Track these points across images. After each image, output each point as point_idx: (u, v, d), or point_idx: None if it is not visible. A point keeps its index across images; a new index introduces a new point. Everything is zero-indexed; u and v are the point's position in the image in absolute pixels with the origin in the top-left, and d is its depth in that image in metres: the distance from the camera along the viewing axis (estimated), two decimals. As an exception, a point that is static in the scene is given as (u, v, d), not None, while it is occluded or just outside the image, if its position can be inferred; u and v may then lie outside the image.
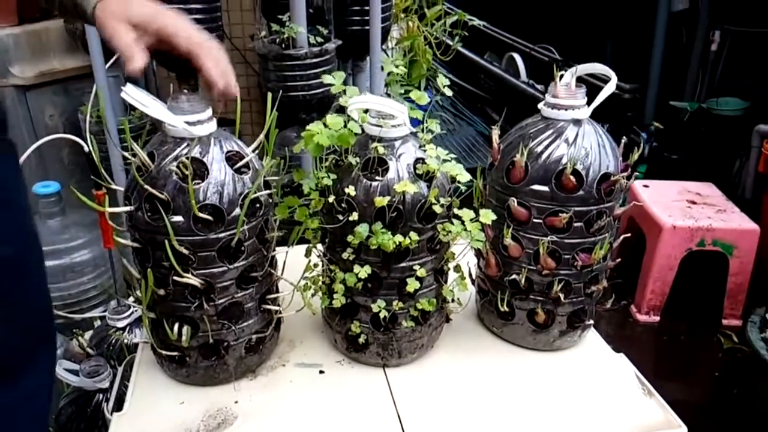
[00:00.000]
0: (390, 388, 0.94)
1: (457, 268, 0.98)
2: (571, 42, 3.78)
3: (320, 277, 0.97)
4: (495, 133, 0.98)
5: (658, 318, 2.28)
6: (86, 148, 1.33)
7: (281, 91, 1.63)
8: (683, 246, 2.18)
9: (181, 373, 0.92)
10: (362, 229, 0.84)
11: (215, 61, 0.77)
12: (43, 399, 0.82)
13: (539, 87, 3.75)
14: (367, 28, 1.82)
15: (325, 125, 0.86)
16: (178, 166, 0.81)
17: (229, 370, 0.93)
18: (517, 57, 4.04)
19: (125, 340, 1.47)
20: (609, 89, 0.90)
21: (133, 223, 0.83)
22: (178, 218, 0.80)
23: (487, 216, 0.86)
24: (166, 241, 0.79)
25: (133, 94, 0.78)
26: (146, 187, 0.79)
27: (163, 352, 0.90)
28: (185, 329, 0.85)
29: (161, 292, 0.85)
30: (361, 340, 0.94)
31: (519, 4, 4.45)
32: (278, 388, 0.94)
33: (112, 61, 1.56)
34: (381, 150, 0.85)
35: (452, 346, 1.03)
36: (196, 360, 0.90)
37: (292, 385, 0.95)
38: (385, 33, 1.93)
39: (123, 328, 1.47)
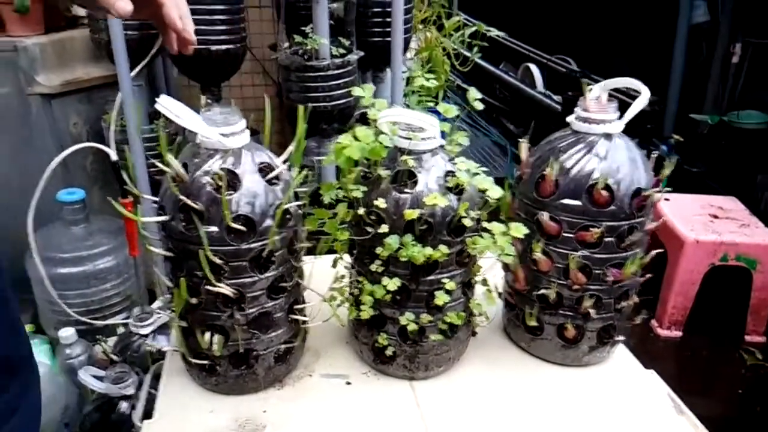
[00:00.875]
0: (417, 401, 0.94)
1: (484, 282, 0.98)
2: (589, 53, 3.77)
3: (347, 288, 0.98)
4: (524, 146, 0.98)
5: (680, 333, 2.26)
6: (113, 157, 1.35)
7: (303, 102, 1.65)
8: (706, 261, 2.16)
9: (210, 381, 0.93)
10: (392, 241, 0.84)
11: (175, 2, 0.77)
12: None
13: (556, 98, 3.74)
14: (388, 39, 1.83)
15: (356, 138, 0.87)
16: (212, 178, 0.81)
17: (258, 379, 0.93)
18: (534, 68, 4.04)
19: (149, 347, 1.48)
20: (641, 103, 0.90)
21: (168, 233, 0.84)
22: (212, 228, 0.81)
23: (519, 230, 0.86)
24: (201, 251, 0.80)
25: (167, 105, 0.79)
26: (182, 197, 0.80)
27: (193, 361, 0.90)
28: (217, 338, 0.86)
29: (193, 300, 0.86)
30: (388, 352, 0.94)
31: (536, 15, 4.45)
32: (305, 399, 0.94)
33: (138, 68, 1.58)
34: (411, 163, 0.86)
35: (479, 360, 1.03)
36: (226, 369, 0.91)
37: (319, 395, 0.95)
38: (406, 44, 1.94)
39: (147, 335, 1.49)
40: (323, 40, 1.64)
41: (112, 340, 1.61)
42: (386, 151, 0.84)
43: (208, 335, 0.87)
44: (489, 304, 0.95)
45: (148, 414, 0.97)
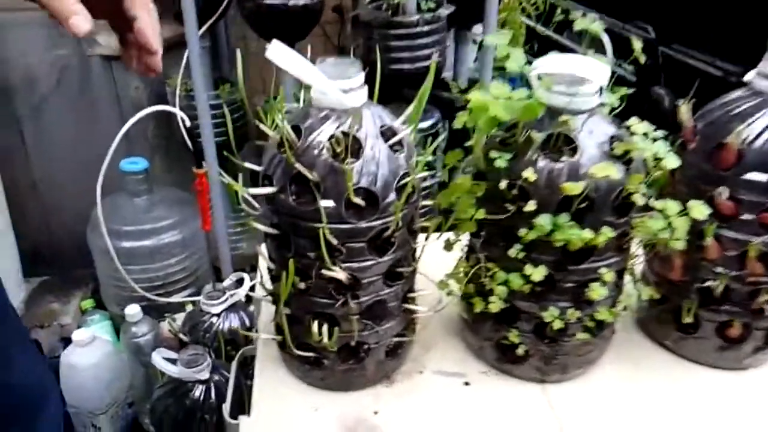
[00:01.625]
0: (552, 407, 0.80)
1: (630, 271, 0.83)
2: (669, 20, 3.49)
3: (465, 276, 0.84)
4: (685, 108, 0.81)
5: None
6: (187, 122, 1.23)
7: (386, 63, 1.50)
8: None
9: (314, 375, 0.81)
10: (544, 221, 0.69)
11: (149, 11, 0.62)
12: None
13: (628, 68, 3.48)
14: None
15: (491, 95, 0.72)
16: (330, 142, 0.68)
17: (367, 375, 0.81)
18: (604, 35, 3.78)
19: (220, 327, 1.39)
20: None
21: (274, 207, 0.71)
22: (329, 203, 0.68)
23: (700, 210, 0.70)
24: (317, 229, 0.67)
25: (280, 52, 0.66)
26: (297, 165, 0.67)
27: (298, 353, 0.78)
28: (333, 329, 0.73)
29: (302, 285, 0.73)
30: (520, 351, 0.80)
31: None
32: (419, 399, 0.81)
33: (206, 26, 1.46)
34: (571, 124, 0.70)
35: (617, 360, 0.88)
36: (334, 363, 0.78)
37: (433, 396, 0.82)
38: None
39: (218, 314, 1.39)
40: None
41: (178, 317, 1.52)
42: (543, 110, 0.68)
43: (316, 324, 0.75)
44: (644, 297, 0.80)
45: (239, 408, 0.86)
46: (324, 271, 0.70)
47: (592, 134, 0.71)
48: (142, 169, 1.59)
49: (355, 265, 0.72)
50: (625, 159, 0.72)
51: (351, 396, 0.81)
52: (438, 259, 0.83)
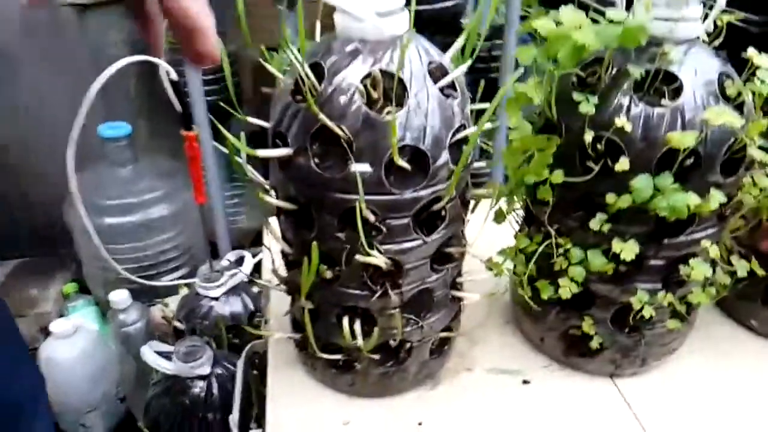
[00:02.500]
0: (629, 404, 0.66)
1: (725, 243, 0.68)
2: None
3: (525, 255, 0.68)
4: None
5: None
6: (173, 76, 1.05)
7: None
8: None
9: (342, 381, 0.66)
10: (643, 184, 0.54)
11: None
12: None
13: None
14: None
15: (559, 23, 0.55)
16: (363, 85, 0.51)
17: (408, 378, 0.66)
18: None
19: (220, 312, 1.23)
20: None
21: (291, 174, 0.55)
22: (364, 167, 0.52)
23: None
24: (357, 204, 0.51)
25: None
26: (321, 116, 0.50)
27: (322, 355, 0.63)
28: (368, 326, 0.58)
29: (328, 274, 0.58)
30: (594, 343, 0.65)
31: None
32: (471, 404, 0.67)
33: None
34: (673, 57, 0.54)
35: (696, 345, 0.74)
36: (368, 366, 0.63)
37: (488, 398, 0.68)
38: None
39: (217, 298, 1.23)
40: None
41: (171, 301, 1.37)
42: (646, 37, 0.52)
43: (347, 323, 0.60)
44: (741, 273, 0.65)
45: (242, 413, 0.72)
46: (358, 257, 0.55)
47: (697, 72, 0.55)
48: (124, 135, 1.40)
49: (396, 247, 0.56)
50: (736, 102, 0.56)
51: (388, 404, 0.67)
52: (482, 232, 0.68)
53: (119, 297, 1.28)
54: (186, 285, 1.38)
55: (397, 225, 0.55)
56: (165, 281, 1.47)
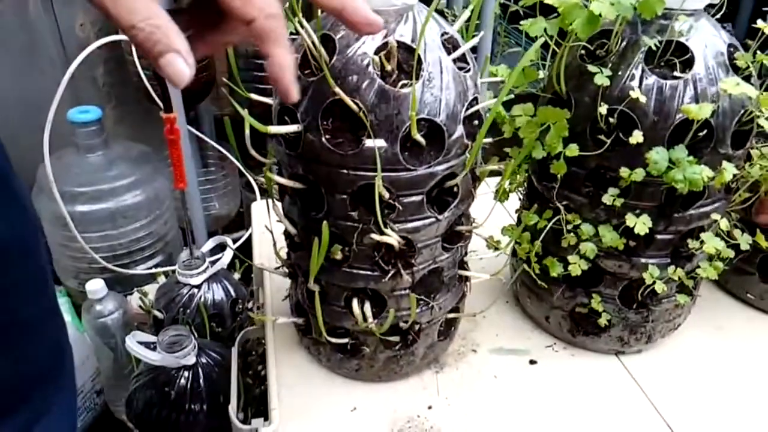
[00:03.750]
0: (635, 380, 0.67)
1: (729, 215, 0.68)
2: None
3: (530, 231, 0.67)
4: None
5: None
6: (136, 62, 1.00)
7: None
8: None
9: (349, 366, 0.64)
10: (659, 156, 0.53)
11: (287, 48, 0.39)
12: None
13: None
14: None
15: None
16: (379, 57, 0.49)
17: (415, 361, 0.65)
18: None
19: (202, 300, 1.20)
20: None
21: (298, 151, 0.52)
22: (379, 143, 0.50)
23: None
24: (376, 181, 0.49)
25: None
26: (337, 90, 0.48)
27: (329, 339, 0.61)
28: (378, 308, 0.56)
29: (338, 255, 0.56)
30: (603, 320, 0.65)
31: None
32: (480, 386, 0.66)
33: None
34: (684, 27, 0.53)
35: (696, 320, 0.74)
36: (376, 349, 0.62)
37: (496, 380, 0.67)
38: None
39: (198, 286, 1.20)
40: None
41: (150, 291, 1.32)
42: (662, 6, 0.51)
43: (357, 305, 0.58)
44: (744, 246, 0.66)
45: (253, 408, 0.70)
46: (372, 236, 0.53)
47: (707, 43, 0.55)
48: (94, 119, 1.34)
49: (409, 225, 0.54)
50: (744, 74, 0.56)
51: (395, 388, 0.66)
52: (484, 209, 0.66)
53: (95, 287, 1.23)
54: (164, 273, 1.34)
55: (410, 202, 0.53)
56: (140, 269, 1.42)
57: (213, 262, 1.22)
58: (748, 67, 0.55)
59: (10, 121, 1.48)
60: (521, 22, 0.58)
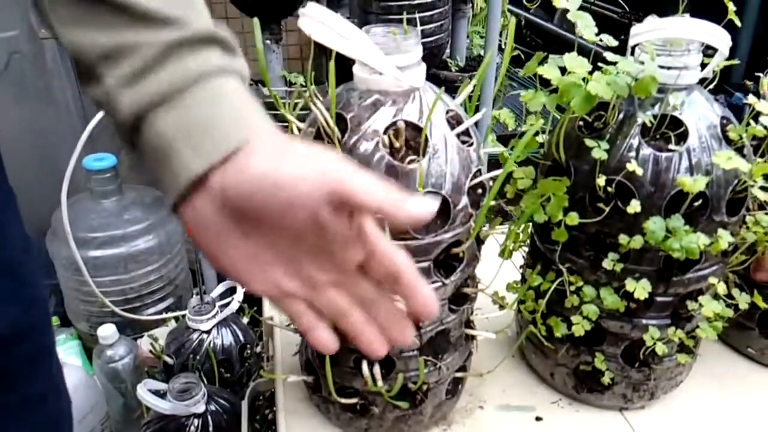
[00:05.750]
0: (642, 441, 0.68)
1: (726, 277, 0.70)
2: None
3: (534, 292, 0.69)
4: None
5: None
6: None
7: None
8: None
9: (358, 425, 0.66)
10: (656, 226, 0.55)
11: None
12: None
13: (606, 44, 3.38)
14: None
15: (563, 70, 0.57)
16: (388, 135, 0.52)
17: (424, 420, 0.66)
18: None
19: (211, 345, 1.21)
20: None
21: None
22: (388, 214, 0.52)
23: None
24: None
25: (317, 18, 0.49)
26: (348, 166, 0.51)
27: (338, 399, 0.63)
28: (387, 370, 0.58)
29: (348, 320, 0.58)
30: (606, 379, 0.67)
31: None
32: (486, 443, 0.68)
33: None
34: (678, 102, 0.56)
35: (698, 375, 0.76)
36: (384, 409, 0.63)
37: (502, 437, 0.68)
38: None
39: (207, 331, 1.21)
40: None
41: (160, 335, 1.34)
42: (656, 86, 0.54)
43: (366, 367, 0.60)
44: (742, 306, 0.68)
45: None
46: (381, 302, 0.55)
47: (699, 116, 0.58)
48: (110, 167, 1.38)
49: (417, 290, 0.56)
50: (737, 145, 0.59)
51: (405, 445, 0.67)
52: (489, 268, 0.68)
53: (107, 332, 1.25)
54: (174, 318, 1.36)
55: (418, 269, 0.55)
56: (149, 313, 1.44)
57: (222, 307, 1.24)
58: (741, 138, 0.58)
59: (27, 167, 1.52)
60: (521, 95, 0.61)
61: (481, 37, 2.35)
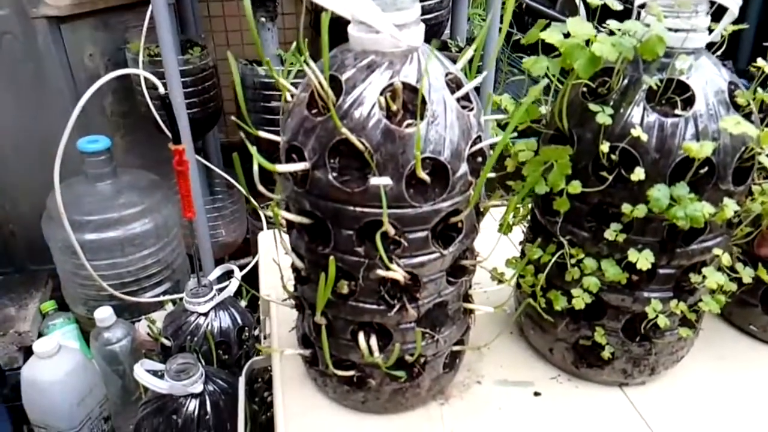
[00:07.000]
0: (639, 413, 0.66)
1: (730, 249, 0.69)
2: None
3: (534, 265, 0.68)
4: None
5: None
6: (162, 90, 1.03)
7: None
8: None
9: (355, 398, 0.65)
10: (660, 194, 0.54)
11: None
12: None
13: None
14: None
15: (566, 35, 0.56)
16: (384, 97, 0.51)
17: (421, 393, 0.65)
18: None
19: (209, 327, 1.20)
20: None
21: (305, 188, 0.54)
22: (385, 181, 0.51)
23: None
24: (384, 217, 0.50)
25: (312, -23, 0.48)
26: (344, 130, 0.49)
27: (335, 371, 0.62)
28: (385, 342, 0.57)
29: (344, 289, 0.56)
30: (606, 353, 0.66)
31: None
32: (484, 418, 0.66)
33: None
34: (685, 65, 0.55)
35: (699, 352, 0.74)
36: (382, 382, 0.62)
37: (501, 412, 0.67)
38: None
39: (205, 314, 1.20)
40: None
41: (158, 318, 1.33)
42: (664, 47, 0.53)
43: (363, 339, 0.59)
44: (746, 280, 0.66)
45: None
46: (378, 271, 0.54)
47: (706, 81, 0.56)
48: (104, 149, 1.37)
49: (414, 260, 0.55)
50: (745, 111, 0.57)
51: (401, 420, 0.66)
52: (488, 243, 0.67)
53: (104, 315, 1.24)
54: (172, 301, 1.34)
55: (416, 238, 0.54)
56: (147, 297, 1.43)
57: (220, 290, 1.23)
58: (749, 104, 0.57)
59: (20, 150, 1.51)
60: (523, 61, 0.60)
61: (482, 18, 2.33)
